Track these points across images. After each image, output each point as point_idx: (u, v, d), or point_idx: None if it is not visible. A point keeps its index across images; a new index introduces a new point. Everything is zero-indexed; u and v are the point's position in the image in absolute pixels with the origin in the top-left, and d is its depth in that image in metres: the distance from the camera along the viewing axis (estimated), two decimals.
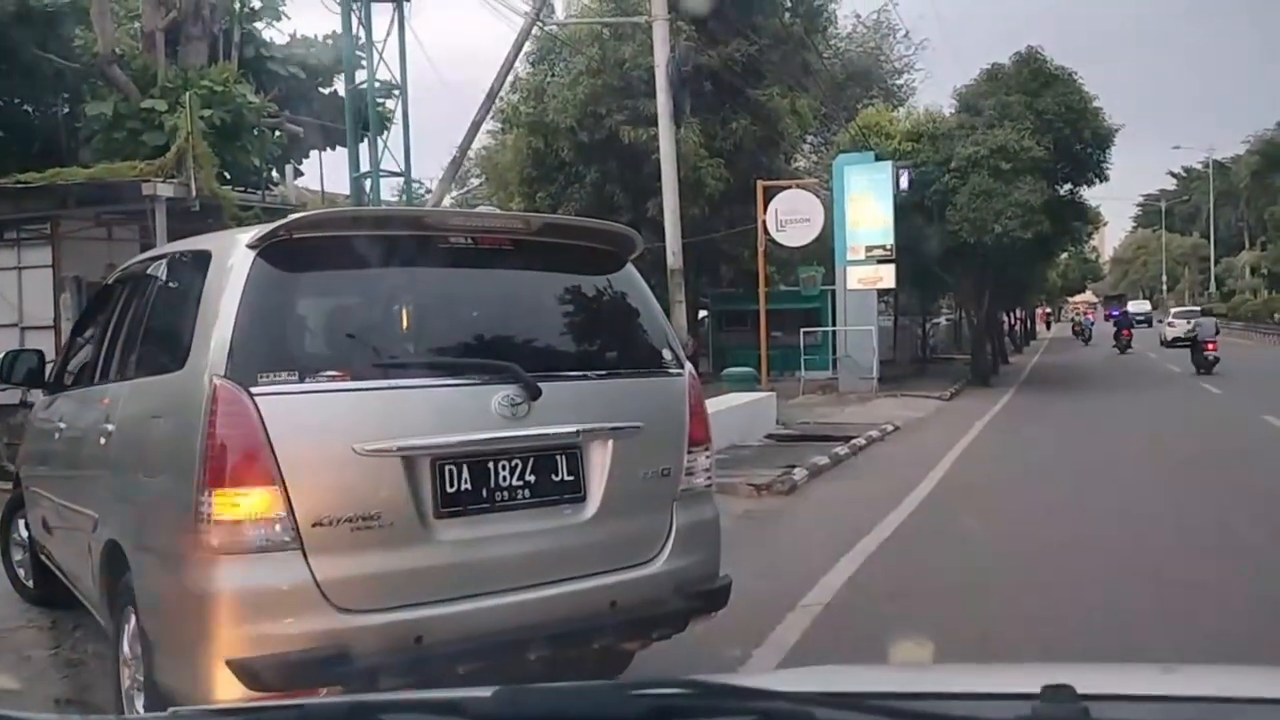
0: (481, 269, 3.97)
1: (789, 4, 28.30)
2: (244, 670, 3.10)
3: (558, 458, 3.69)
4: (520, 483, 3.60)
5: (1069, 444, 14.09)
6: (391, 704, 1.45)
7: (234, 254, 3.47)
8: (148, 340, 4.18)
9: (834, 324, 24.13)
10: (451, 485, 3.46)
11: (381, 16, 9.93)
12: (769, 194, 18.98)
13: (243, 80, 17.56)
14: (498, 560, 3.53)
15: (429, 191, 20.29)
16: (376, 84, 10.63)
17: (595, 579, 3.72)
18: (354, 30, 10.26)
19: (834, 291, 24.20)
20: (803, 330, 23.32)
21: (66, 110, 19.79)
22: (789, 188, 19.72)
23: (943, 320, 43.31)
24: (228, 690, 3.10)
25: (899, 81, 37.08)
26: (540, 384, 3.60)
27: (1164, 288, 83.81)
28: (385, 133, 9.96)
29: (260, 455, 3.19)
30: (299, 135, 19.86)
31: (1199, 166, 75.36)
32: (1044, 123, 22.92)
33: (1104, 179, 25.03)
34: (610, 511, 3.77)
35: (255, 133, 18.12)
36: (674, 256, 12.35)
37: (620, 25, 24.65)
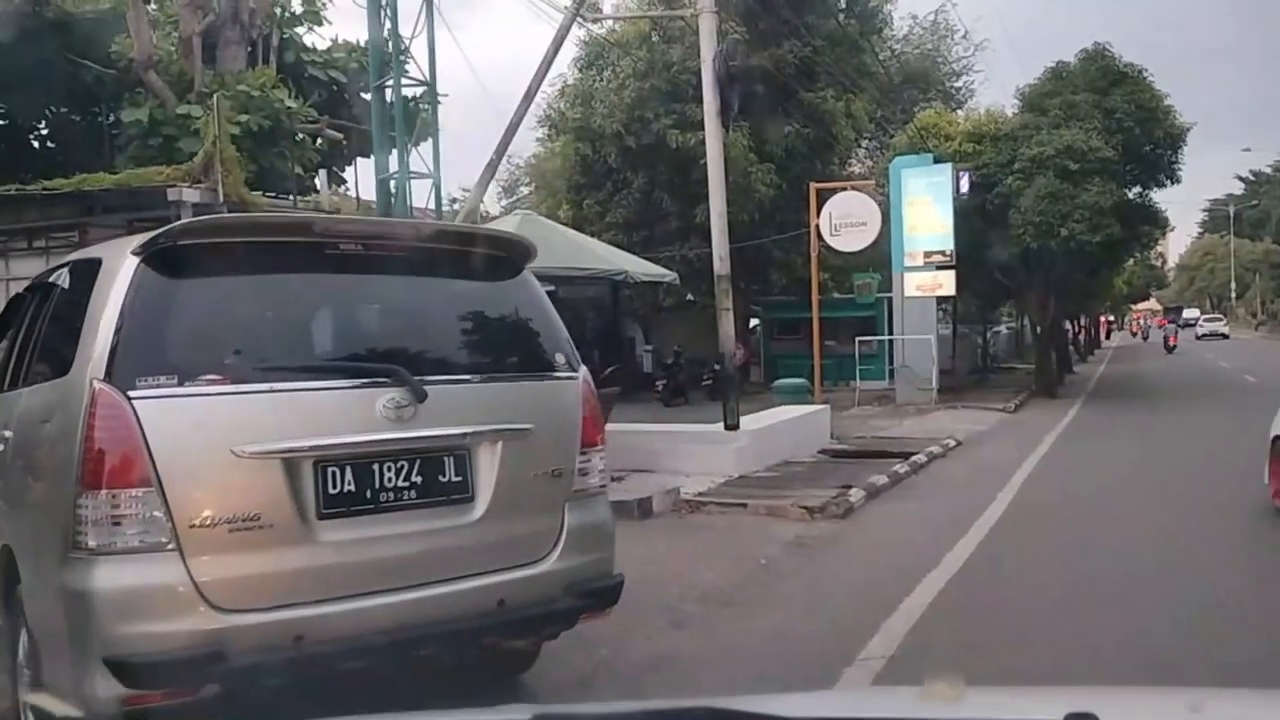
0: (372, 275, 4.01)
1: (843, 4, 27.51)
2: (121, 669, 3.16)
3: (445, 459, 3.75)
4: (406, 484, 3.65)
5: (1149, 459, 13.08)
6: None
7: (120, 261, 3.49)
8: (44, 347, 4.14)
9: (890, 332, 23.25)
10: (334, 487, 3.51)
11: (409, 18, 9.40)
12: (822, 197, 18.16)
13: (280, 85, 17.20)
14: (382, 560, 3.58)
15: (466, 190, 19.78)
16: (408, 82, 10.01)
17: (483, 578, 3.77)
18: (381, 21, 9.71)
19: (890, 299, 23.35)
20: (858, 339, 22.44)
21: (111, 119, 19.60)
22: (843, 190, 18.84)
23: (1003, 328, 42.01)
24: (106, 689, 3.16)
25: (957, 84, 35.98)
26: (428, 387, 3.66)
27: (1232, 295, 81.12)
28: (412, 133, 9.30)
29: (137, 457, 3.23)
30: (340, 141, 19.48)
31: (1268, 170, 72.86)
32: (1113, 122, 21.83)
33: (1176, 180, 23.84)
34: (499, 512, 3.83)
35: (294, 139, 17.78)
36: (721, 262, 11.61)
37: (669, 28, 24.02)
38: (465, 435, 3.79)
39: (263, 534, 3.36)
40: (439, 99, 21.51)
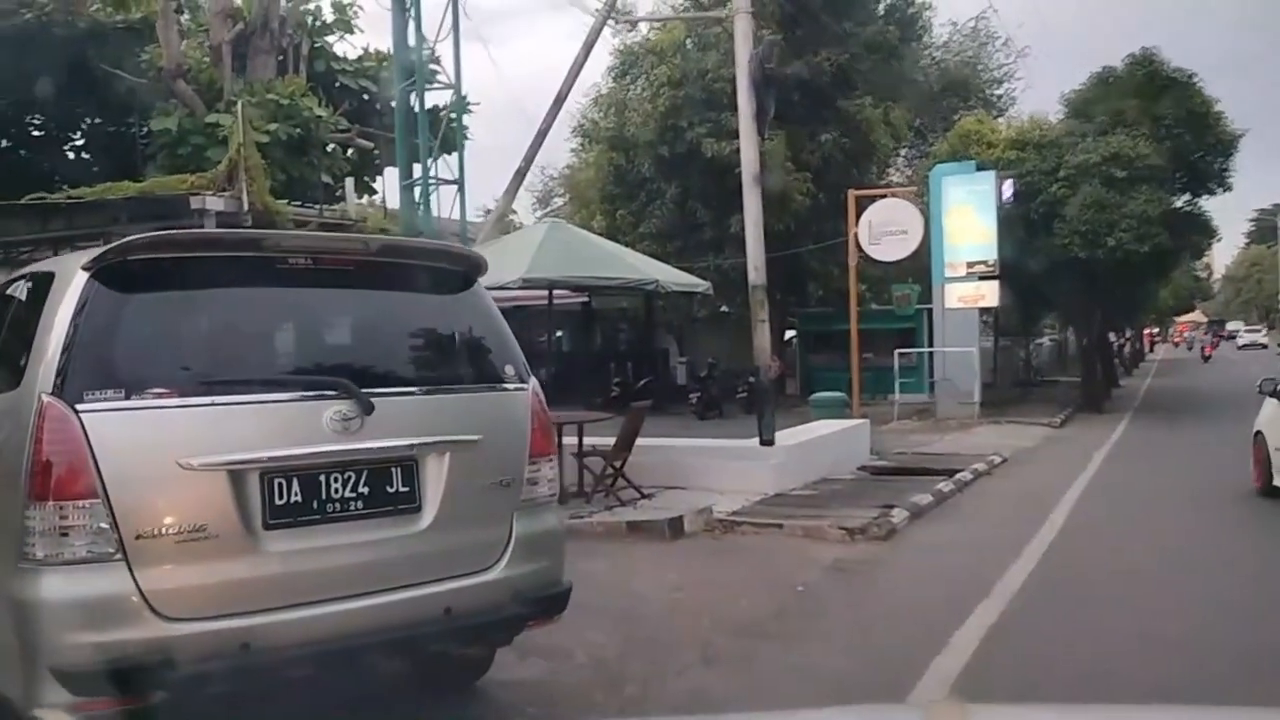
0: (321, 289, 4.06)
1: (882, 11, 27.04)
2: (68, 678, 3.19)
3: (393, 470, 3.81)
4: (353, 494, 3.71)
5: (1203, 476, 12.46)
6: None
7: (71, 275, 3.55)
8: (1, 359, 4.10)
9: (930, 345, 22.67)
10: (281, 498, 3.56)
11: (436, 23, 9.07)
12: (861, 205, 17.65)
13: (309, 94, 17.02)
14: (329, 569, 3.63)
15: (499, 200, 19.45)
16: (434, 85, 9.72)
17: (430, 587, 3.82)
18: (405, 23, 9.40)
19: (930, 310, 22.79)
20: (897, 352, 21.87)
21: (144, 129, 19.54)
22: (883, 197, 18.31)
23: (1045, 340, 41.17)
24: (54, 697, 3.18)
25: (998, 91, 35.30)
26: (376, 399, 3.72)
27: None
28: (437, 137, 8.97)
29: (84, 470, 3.28)
30: (371, 150, 19.27)
31: None
32: (1161, 129, 21.19)
33: (1227, 188, 23.08)
34: (447, 522, 3.88)
35: (324, 148, 17.58)
36: (756, 272, 11.19)
37: (703, 34, 23.67)
38: (412, 446, 3.86)
39: (209, 544, 3.42)
40: (469, 107, 21.37)
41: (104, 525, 3.28)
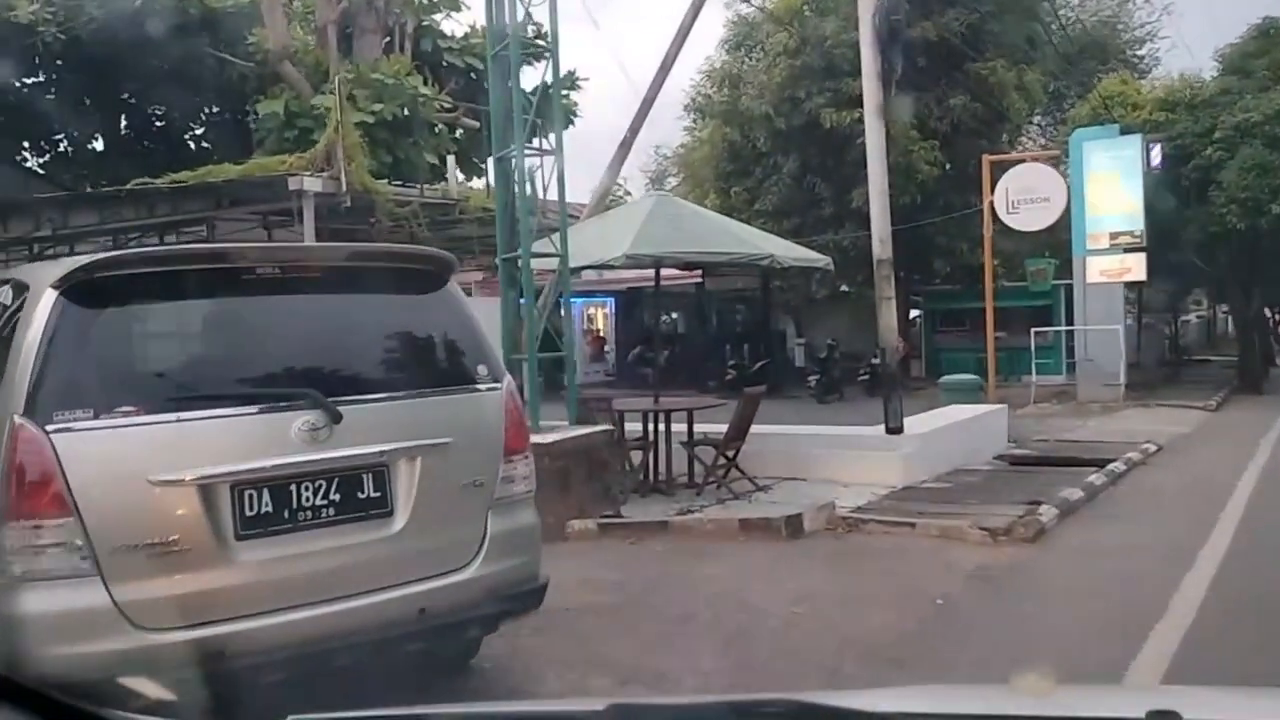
0: (288, 298, 4.08)
1: None
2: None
3: (364, 476, 3.86)
4: (324, 502, 3.77)
5: None
6: (509, 716, 1.58)
7: (41, 293, 3.59)
8: None
9: (1067, 323, 21.17)
10: (251, 509, 3.63)
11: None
12: (997, 171, 16.32)
13: (414, 72, 16.64)
14: (303, 576, 3.69)
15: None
16: (534, 50, 9.04)
17: (404, 588, 3.87)
18: None
19: (1067, 286, 21.28)
20: (1033, 330, 20.45)
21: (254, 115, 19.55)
22: (1022, 161, 16.93)
23: (1192, 318, 38.62)
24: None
25: (1139, 52, 33.01)
26: (345, 407, 3.77)
27: None
28: (530, 113, 8.30)
29: (56, 488, 3.36)
30: (478, 130, 18.82)
31: None
32: None
33: None
34: (419, 524, 3.93)
35: (431, 128, 17.22)
36: (881, 245, 10.24)
37: None
38: (383, 453, 3.89)
39: (182, 556, 3.50)
40: (577, 83, 20.80)
41: (78, 541, 3.36)
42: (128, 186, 12.67)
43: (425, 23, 19.40)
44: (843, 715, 1.47)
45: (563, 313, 9.56)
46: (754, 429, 9.86)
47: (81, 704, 1.59)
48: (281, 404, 3.75)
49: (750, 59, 25.38)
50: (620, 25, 37.15)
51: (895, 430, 10.19)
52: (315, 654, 3.63)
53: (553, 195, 8.80)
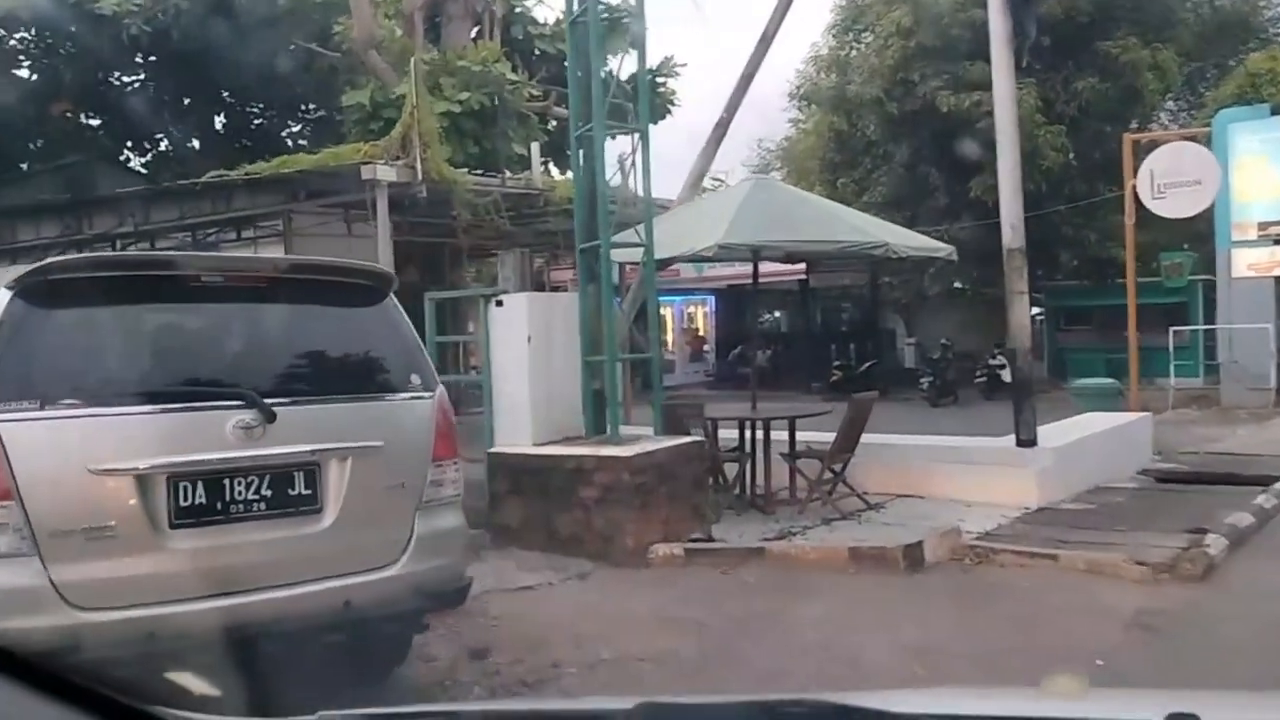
0: (231, 305, 4.34)
1: None
2: None
3: (295, 474, 4.09)
4: (256, 497, 3.99)
5: None
6: (537, 714, 1.58)
7: None
8: None
9: (1207, 321, 19.36)
10: (186, 499, 3.86)
11: None
12: (1139, 152, 14.74)
13: (503, 59, 15.90)
14: (232, 565, 3.89)
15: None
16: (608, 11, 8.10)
17: (330, 582, 4.09)
18: None
19: (1205, 282, 19.47)
20: (1172, 330, 18.72)
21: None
22: (1169, 141, 15.30)
23: None
24: None
25: None
26: (280, 408, 3.99)
27: None
28: (606, 92, 7.37)
29: (1, 474, 3.59)
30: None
31: None
32: None
33: None
34: (347, 522, 4.14)
35: (520, 118, 16.47)
36: (1012, 232, 9.02)
37: None
38: (314, 452, 4.09)
39: (117, 542, 3.70)
40: (675, 70, 19.83)
41: (19, 524, 3.57)
42: (203, 179, 12.20)
43: (516, 9, 18.70)
44: (869, 715, 1.47)
45: (647, 309, 8.57)
46: (865, 438, 8.79)
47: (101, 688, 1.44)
48: (218, 402, 3.95)
49: (859, 43, 24.10)
50: (722, 9, 36.00)
51: (1028, 442, 8.96)
52: (243, 639, 3.70)
53: (626, 183, 7.88)
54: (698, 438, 8.10)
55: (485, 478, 7.92)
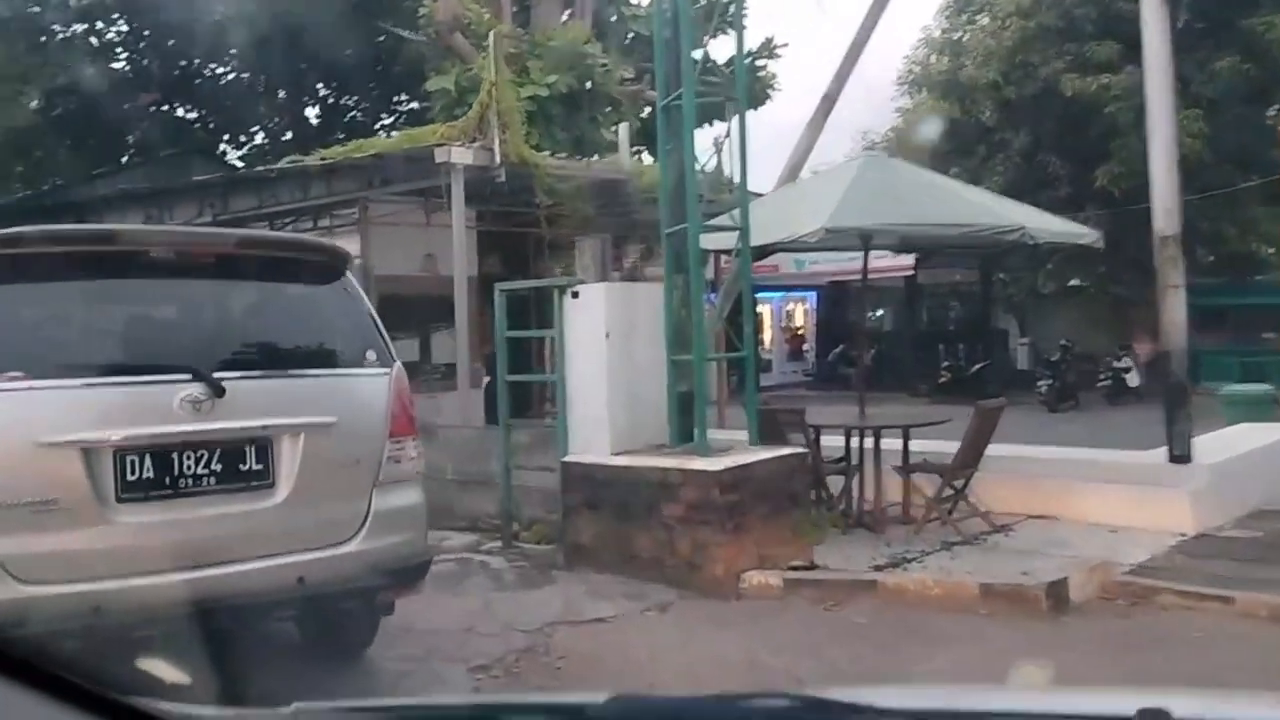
0: (181, 280, 4.32)
1: None
2: None
3: (246, 449, 4.07)
4: (206, 471, 3.98)
5: None
6: (512, 706, 1.59)
7: None
8: None
9: None
10: (133, 473, 3.84)
11: None
12: None
13: (592, 41, 15.11)
14: (181, 541, 3.86)
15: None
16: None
17: (283, 558, 4.05)
18: None
19: None
20: None
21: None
22: None
23: None
24: None
25: None
26: (230, 383, 3.98)
27: None
28: (687, 75, 6.46)
29: None
30: None
31: None
32: None
33: None
34: (301, 498, 4.12)
35: (612, 103, 15.66)
36: (1166, 216, 7.84)
37: None
38: (265, 427, 4.09)
39: (63, 515, 3.69)
40: (775, 51, 18.80)
41: None
42: (279, 166, 11.66)
43: None
44: (849, 710, 1.45)
45: (743, 303, 7.59)
46: (991, 449, 7.74)
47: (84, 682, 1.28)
48: (164, 377, 3.92)
49: (974, 24, 22.69)
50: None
51: (1182, 458, 7.76)
52: (192, 615, 3.64)
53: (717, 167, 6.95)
54: (799, 449, 7.12)
55: (559, 489, 7.11)
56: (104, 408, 3.82)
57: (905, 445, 7.92)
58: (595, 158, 12.84)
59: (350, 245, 11.72)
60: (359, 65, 21.03)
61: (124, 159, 22.41)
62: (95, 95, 19.50)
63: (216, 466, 3.95)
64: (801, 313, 28.78)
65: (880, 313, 28.16)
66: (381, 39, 19.57)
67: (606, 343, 6.93)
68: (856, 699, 1.55)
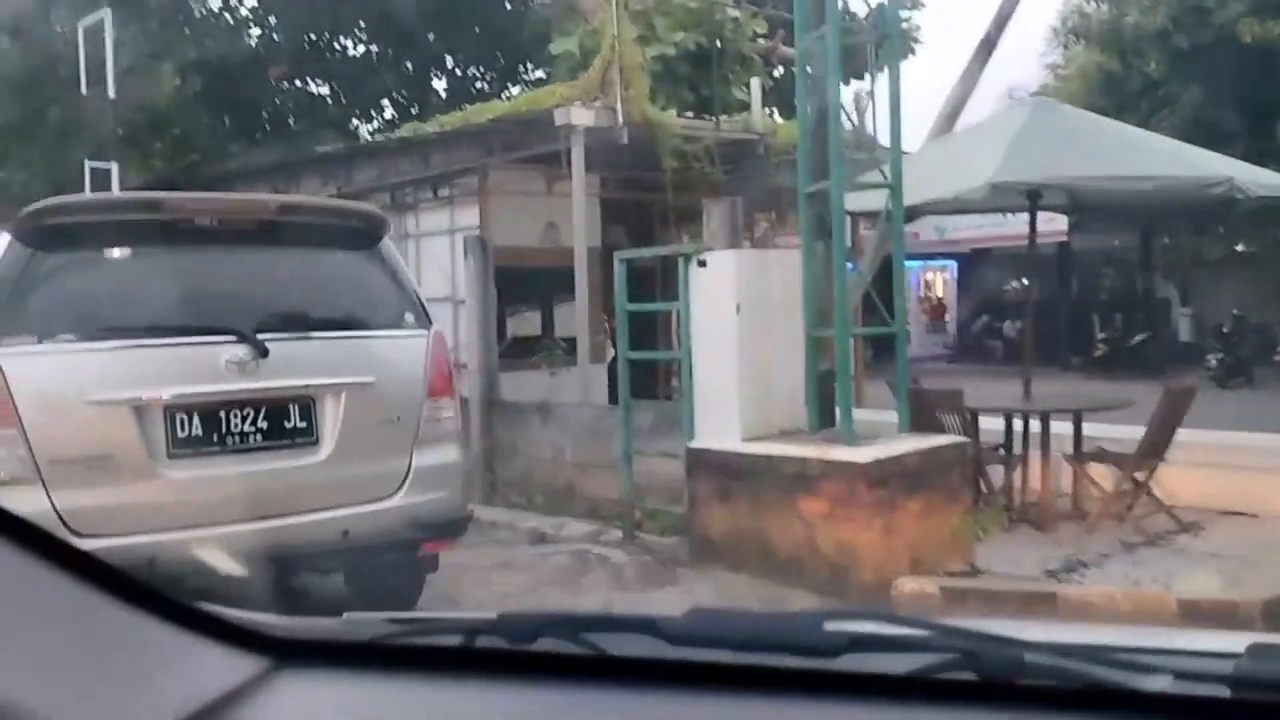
0: (225, 245, 4.55)
1: None
2: None
3: (290, 407, 4.30)
4: (252, 429, 4.20)
5: None
6: (588, 620, 1.47)
7: None
8: None
9: None
10: (183, 431, 4.07)
11: None
12: None
13: None
14: (230, 495, 4.08)
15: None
16: None
17: (328, 512, 4.29)
18: None
19: None
20: None
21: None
22: None
23: None
24: None
25: None
26: (273, 344, 4.21)
27: None
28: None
29: (2, 404, 3.80)
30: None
31: None
32: None
33: None
34: (344, 454, 4.36)
35: (743, 60, 14.84)
36: None
37: None
38: (308, 386, 4.31)
39: (116, 470, 3.94)
40: (919, 2, 17.62)
41: (21, 453, 3.77)
42: (398, 135, 11.31)
43: None
44: (934, 629, 1.25)
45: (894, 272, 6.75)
46: (1184, 435, 6.79)
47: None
48: (210, 338, 4.12)
49: None
50: None
51: None
52: (242, 566, 3.76)
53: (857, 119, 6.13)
54: (958, 438, 6.30)
55: (684, 477, 6.48)
56: (154, 368, 4.04)
57: (1077, 431, 7.00)
58: (725, 117, 12.06)
59: (469, 215, 11.38)
60: (485, 35, 20.71)
61: (257, 135, 22.73)
62: (230, 71, 19.69)
63: (263, 424, 4.19)
64: (941, 282, 27.49)
65: (1025, 281, 26.64)
66: (508, 6, 19.15)
67: (737, 316, 6.23)
68: (947, 621, 1.38)
